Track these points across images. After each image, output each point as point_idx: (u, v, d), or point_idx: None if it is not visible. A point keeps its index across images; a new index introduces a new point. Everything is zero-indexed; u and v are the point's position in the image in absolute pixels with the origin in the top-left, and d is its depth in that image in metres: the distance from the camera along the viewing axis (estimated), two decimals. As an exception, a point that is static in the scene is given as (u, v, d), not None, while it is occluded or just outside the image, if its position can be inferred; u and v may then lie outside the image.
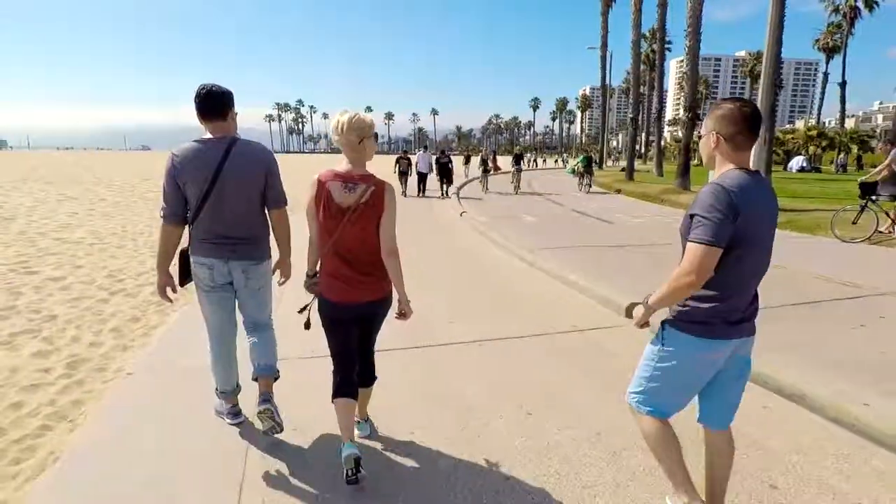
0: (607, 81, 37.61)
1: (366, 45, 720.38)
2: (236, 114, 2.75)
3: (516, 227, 10.85)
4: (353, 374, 2.62)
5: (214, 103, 2.64)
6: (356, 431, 2.73)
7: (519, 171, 20.75)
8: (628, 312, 5.13)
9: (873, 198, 8.98)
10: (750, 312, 1.94)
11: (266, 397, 2.75)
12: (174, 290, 2.86)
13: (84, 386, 3.63)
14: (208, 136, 2.65)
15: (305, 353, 3.87)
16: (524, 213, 13.49)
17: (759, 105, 12.78)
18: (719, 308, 1.85)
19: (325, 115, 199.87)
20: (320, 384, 2.86)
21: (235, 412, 3.02)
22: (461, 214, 13.11)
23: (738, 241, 1.76)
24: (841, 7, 38.97)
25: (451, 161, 18.32)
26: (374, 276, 2.50)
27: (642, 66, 58.95)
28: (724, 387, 2.03)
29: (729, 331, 1.89)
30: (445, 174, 17.66)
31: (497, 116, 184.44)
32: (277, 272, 3.00)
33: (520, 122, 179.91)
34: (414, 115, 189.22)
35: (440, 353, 4.21)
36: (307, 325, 2.63)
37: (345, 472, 2.38)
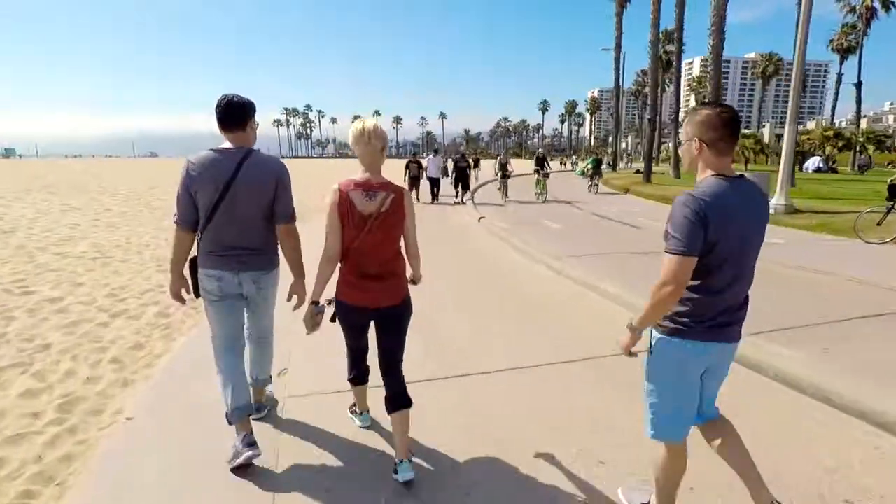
0: (620, 83, 36.92)
1: (369, 46, 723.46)
2: (257, 124, 2.79)
3: (538, 233, 10.31)
4: (365, 363, 2.86)
5: (234, 114, 2.65)
6: (398, 476, 2.56)
7: (545, 175, 18.12)
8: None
9: None
10: (737, 317, 1.95)
11: (258, 406, 3.11)
12: (188, 292, 2.84)
13: (76, 435, 3.13)
14: (227, 145, 2.66)
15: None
16: (545, 218, 12.95)
17: (789, 105, 12.26)
18: (703, 312, 1.87)
19: (334, 120, 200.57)
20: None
21: (250, 442, 2.66)
22: (479, 220, 12.62)
23: (714, 246, 1.78)
24: (857, 8, 38.07)
25: (469, 165, 17.78)
26: (391, 281, 2.54)
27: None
28: (704, 385, 2.06)
29: (713, 334, 1.90)
30: (463, 178, 17.04)
31: (505, 119, 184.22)
32: (294, 298, 2.89)
33: (528, 125, 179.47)
34: (422, 118, 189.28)
35: (481, 384, 3.69)
36: (332, 318, 2.64)
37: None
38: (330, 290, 2.57)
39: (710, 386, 2.08)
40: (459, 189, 17.14)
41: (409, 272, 2.71)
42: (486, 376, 3.85)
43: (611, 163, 39.82)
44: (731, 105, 1.92)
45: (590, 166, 21.79)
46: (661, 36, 50.79)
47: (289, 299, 2.89)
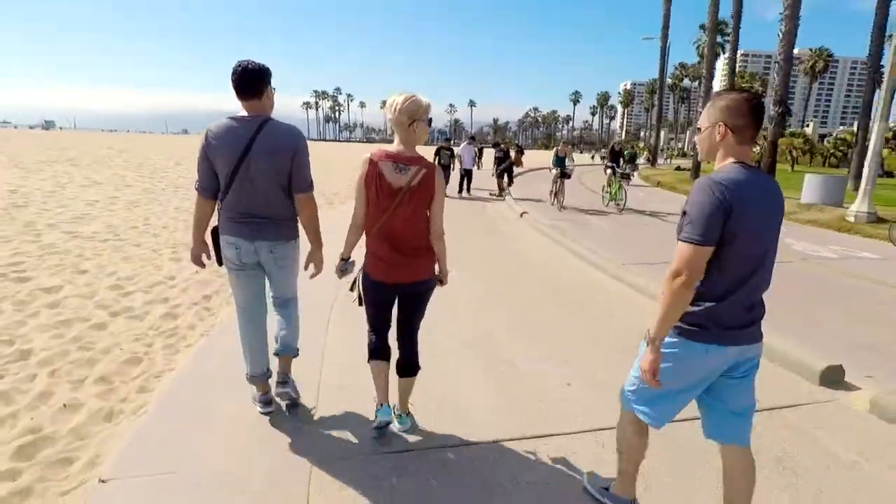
0: (665, 72, 34.99)
1: (400, 34, 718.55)
2: (273, 91, 2.71)
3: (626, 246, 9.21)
4: (387, 339, 2.74)
5: (250, 81, 2.57)
6: (397, 424, 2.79)
7: (624, 176, 13.58)
8: (827, 379, 3.58)
9: None
10: (753, 317, 1.82)
11: (284, 379, 2.97)
12: (209, 257, 2.86)
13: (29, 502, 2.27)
14: (243, 113, 2.60)
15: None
16: (650, 245, 11.81)
17: (880, 104, 10.85)
18: (716, 310, 1.75)
19: (362, 104, 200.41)
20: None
21: (266, 400, 2.93)
22: (521, 215, 11.58)
23: (733, 238, 1.67)
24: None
25: (508, 154, 16.57)
26: (418, 258, 2.52)
27: (698, 60, 56.22)
28: (724, 392, 1.89)
29: (727, 336, 1.77)
30: (507, 169, 15.73)
31: (535, 109, 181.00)
32: (311, 266, 2.89)
33: (558, 116, 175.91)
34: (451, 105, 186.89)
35: (572, 446, 2.71)
36: (360, 302, 2.67)
37: (372, 431, 2.68)
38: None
39: (735, 393, 1.89)
40: (504, 181, 15.82)
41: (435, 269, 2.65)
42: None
43: (650, 158, 38.08)
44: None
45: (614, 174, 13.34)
46: (703, 27, 48.64)
47: (305, 268, 2.89)
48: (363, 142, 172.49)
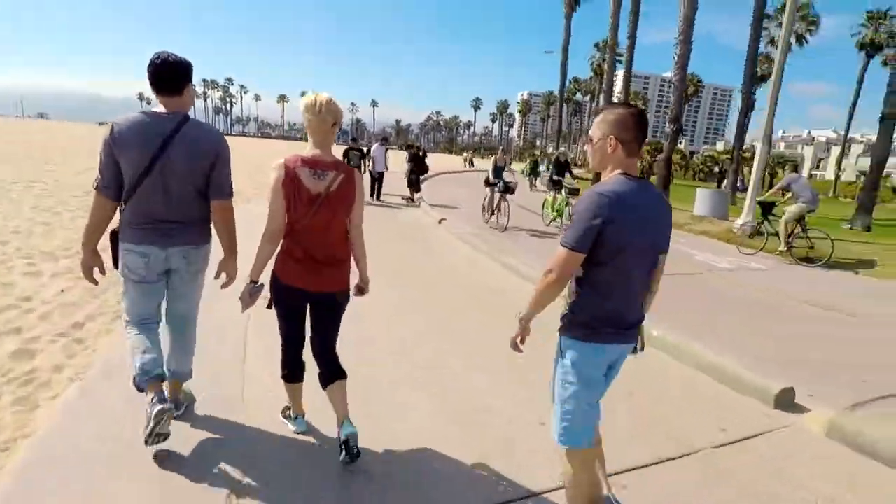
0: (563, 87, 36.79)
1: (303, 25, 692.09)
2: (194, 87, 2.56)
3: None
4: (301, 355, 2.62)
5: (172, 76, 2.41)
6: (347, 432, 2.50)
7: (573, 192, 10.63)
8: (783, 401, 3.56)
9: (770, 216, 9.96)
10: (637, 319, 1.99)
11: (175, 404, 2.74)
12: (102, 272, 2.62)
13: None
14: (159, 109, 2.43)
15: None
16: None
17: (764, 124, 11.98)
18: (605, 312, 1.89)
19: (257, 97, 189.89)
20: None
21: (160, 399, 2.38)
22: (440, 222, 11.20)
23: (617, 245, 1.79)
24: (777, 38, 40.53)
25: (424, 158, 16.04)
26: (334, 267, 2.45)
27: (591, 76, 60.16)
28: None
29: (616, 336, 1.93)
30: (423, 172, 15.21)
31: (438, 113, 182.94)
32: (223, 276, 2.71)
33: (460, 121, 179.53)
34: (353, 104, 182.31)
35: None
36: (269, 305, 2.51)
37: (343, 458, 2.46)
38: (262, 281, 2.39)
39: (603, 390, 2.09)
40: (415, 187, 15.22)
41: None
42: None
43: (548, 166, 39.79)
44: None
45: (551, 170, 13.54)
46: (598, 45, 52.23)
47: (217, 276, 2.70)
48: (258, 136, 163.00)
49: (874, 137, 15.66)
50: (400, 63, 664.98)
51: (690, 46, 15.52)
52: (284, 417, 2.87)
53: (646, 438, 3.05)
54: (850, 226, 14.07)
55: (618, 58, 29.32)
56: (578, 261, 1.82)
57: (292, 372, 2.65)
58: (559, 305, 2.00)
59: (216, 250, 2.71)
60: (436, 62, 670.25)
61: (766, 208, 9.99)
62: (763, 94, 51.79)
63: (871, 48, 42.96)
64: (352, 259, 2.57)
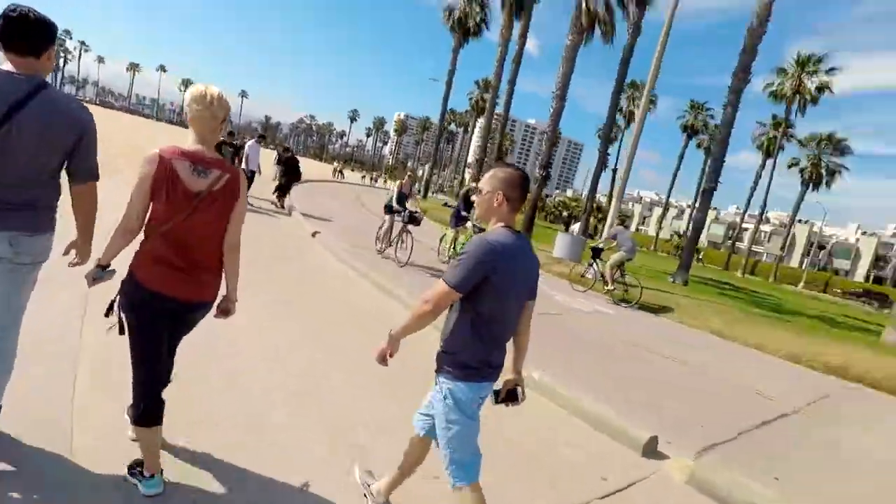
0: (444, 116, 38.10)
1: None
2: (55, 50, 2.19)
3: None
4: (162, 388, 2.26)
5: (32, 33, 2.04)
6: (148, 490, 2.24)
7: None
8: (648, 449, 3.84)
9: (598, 259, 11.39)
10: (502, 359, 2.18)
11: None
12: None
13: None
14: (8, 67, 2.03)
15: None
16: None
17: (617, 183, 13.53)
18: (483, 352, 2.07)
19: (101, 59, 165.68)
20: None
21: None
22: (314, 235, 10.60)
23: (498, 291, 1.98)
24: (624, 110, 46.91)
25: (297, 162, 15.07)
26: (205, 275, 2.22)
27: (467, 110, 63.46)
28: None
29: (491, 373, 2.12)
30: (296, 178, 14.25)
31: (311, 117, 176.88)
32: (71, 252, 2.42)
33: (334, 129, 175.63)
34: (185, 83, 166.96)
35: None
36: (121, 329, 2.15)
37: None
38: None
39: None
40: (285, 193, 14.21)
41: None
42: None
43: (420, 190, 40.81)
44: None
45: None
46: (479, 83, 55.37)
47: (66, 252, 2.40)
48: (96, 104, 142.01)
49: (686, 203, 18.60)
50: (277, 56, 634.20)
51: (564, 103, 17.21)
52: (133, 476, 2.31)
53: (529, 485, 3.06)
54: (673, 279, 16.44)
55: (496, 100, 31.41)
56: (455, 298, 1.99)
57: (151, 410, 2.19)
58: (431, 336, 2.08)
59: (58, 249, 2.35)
60: (319, 64, 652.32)
61: (596, 253, 11.40)
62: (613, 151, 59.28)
63: (691, 131, 51.85)
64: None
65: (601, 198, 56.76)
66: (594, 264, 11.41)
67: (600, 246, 11.52)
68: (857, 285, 54.56)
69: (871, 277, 69.06)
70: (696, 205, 19.78)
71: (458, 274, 1.93)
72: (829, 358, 8.01)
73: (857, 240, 75.44)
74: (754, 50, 15.21)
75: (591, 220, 46.62)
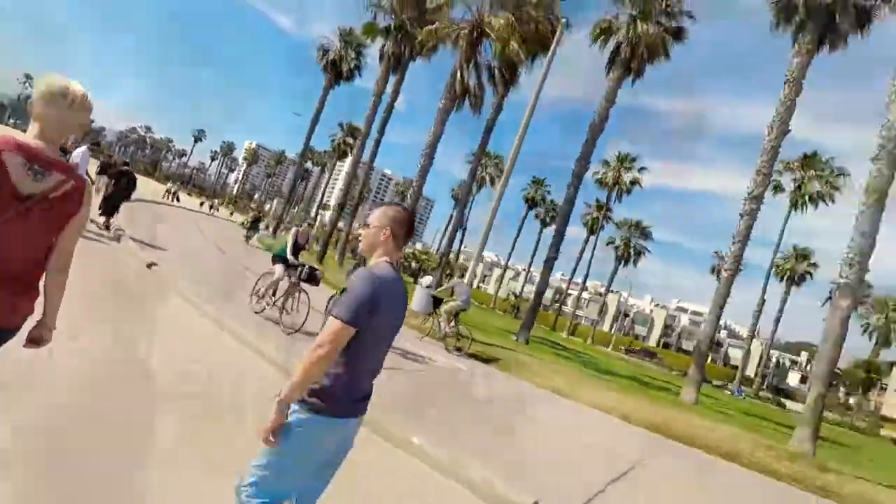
0: (305, 154, 37.28)
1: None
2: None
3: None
4: None
5: None
6: None
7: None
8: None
9: (437, 310, 11.98)
10: (369, 392, 2.14)
11: None
12: None
13: None
14: None
15: None
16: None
17: (479, 242, 14.35)
18: (350, 386, 1.99)
19: None
20: None
21: None
22: (149, 267, 9.20)
23: (378, 323, 1.97)
24: (476, 175, 51.19)
25: (133, 178, 13.12)
26: (22, 296, 1.88)
27: (327, 150, 63.18)
28: (322, 469, 2.08)
29: (354, 408, 2.05)
30: (127, 197, 12.33)
31: (147, 128, 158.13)
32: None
33: (173, 145, 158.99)
34: (27, 76, 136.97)
35: None
36: None
37: None
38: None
39: (327, 471, 2.10)
40: (113, 213, 12.12)
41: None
42: None
43: (273, 227, 38.90)
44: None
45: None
46: (342, 126, 55.67)
47: None
48: None
49: (521, 267, 20.42)
50: (111, 49, 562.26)
51: (432, 161, 18.13)
52: None
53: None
54: (516, 338, 17.65)
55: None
56: (350, 334, 1.90)
57: None
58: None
59: None
60: (164, 72, 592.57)
61: (437, 302, 12.06)
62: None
63: (531, 203, 58.08)
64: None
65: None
66: (433, 313, 12.13)
67: (441, 296, 12.24)
68: (648, 347, 65.28)
69: (661, 342, 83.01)
70: (531, 269, 21.83)
71: (348, 308, 1.88)
72: (652, 418, 9.16)
73: (651, 310, 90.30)
74: (594, 142, 17.81)
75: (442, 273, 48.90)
